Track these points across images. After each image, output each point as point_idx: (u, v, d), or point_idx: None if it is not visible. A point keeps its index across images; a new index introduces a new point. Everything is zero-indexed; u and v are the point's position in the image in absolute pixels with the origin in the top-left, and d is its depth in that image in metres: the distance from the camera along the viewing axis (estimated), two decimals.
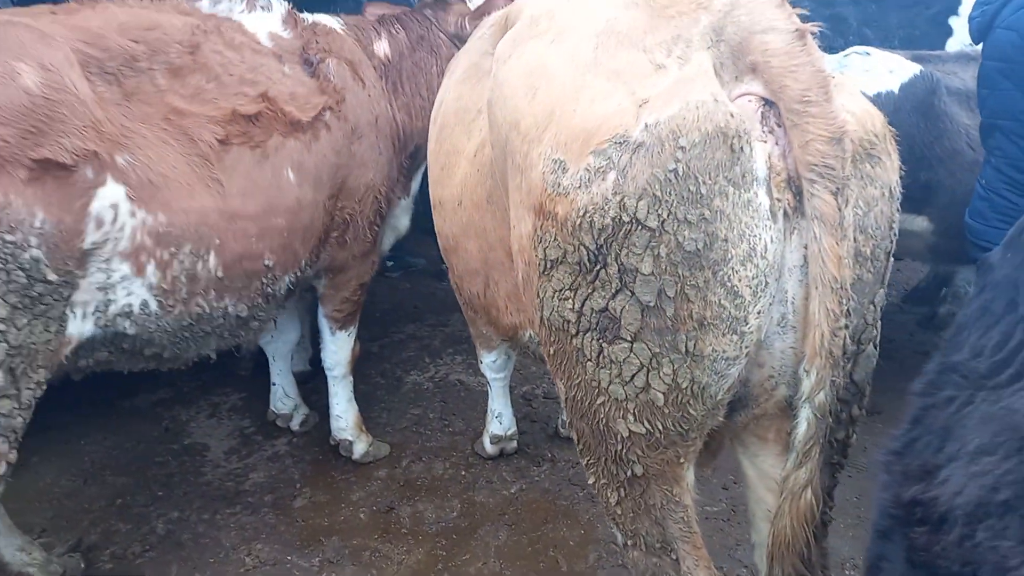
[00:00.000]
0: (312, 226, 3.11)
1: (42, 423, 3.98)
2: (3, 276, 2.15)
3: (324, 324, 3.70)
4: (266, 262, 2.90)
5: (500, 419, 3.78)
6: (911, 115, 3.79)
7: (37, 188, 2.21)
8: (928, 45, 4.45)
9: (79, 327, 2.47)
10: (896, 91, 3.82)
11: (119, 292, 2.51)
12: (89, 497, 3.62)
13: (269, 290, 2.99)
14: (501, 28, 2.53)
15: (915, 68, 3.85)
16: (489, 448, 3.82)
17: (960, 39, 4.51)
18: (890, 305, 5.42)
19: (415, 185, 3.86)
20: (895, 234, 1.81)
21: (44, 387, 2.39)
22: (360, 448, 3.81)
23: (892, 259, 1.84)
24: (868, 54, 3.99)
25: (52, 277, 2.26)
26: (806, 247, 1.66)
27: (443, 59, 3.70)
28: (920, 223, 4.01)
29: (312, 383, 4.35)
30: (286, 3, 3.37)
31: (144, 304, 2.59)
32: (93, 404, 4.16)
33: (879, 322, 1.88)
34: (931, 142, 3.83)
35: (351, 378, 3.82)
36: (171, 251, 2.58)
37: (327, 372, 3.80)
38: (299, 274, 3.16)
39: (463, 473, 3.76)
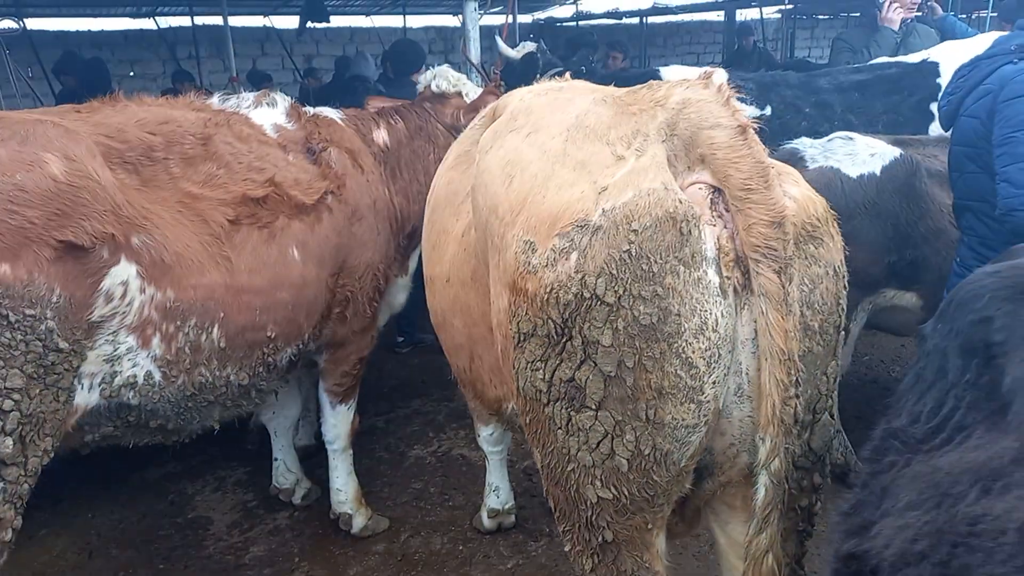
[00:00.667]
0: (316, 301, 3.27)
1: (54, 495, 4.13)
2: (23, 347, 2.28)
3: (324, 398, 3.82)
4: (269, 333, 3.04)
5: (497, 493, 3.83)
6: (893, 196, 3.92)
7: (58, 266, 2.37)
8: (912, 130, 4.62)
9: (85, 397, 2.57)
10: (878, 173, 3.96)
11: (125, 363, 2.62)
12: (93, 571, 3.70)
13: (271, 360, 3.11)
14: (489, 120, 2.73)
15: (895, 151, 4.00)
16: (487, 523, 3.85)
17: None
18: (881, 372, 5.45)
19: (412, 264, 4.04)
20: (843, 309, 1.92)
21: (50, 455, 2.48)
22: (359, 522, 3.87)
23: (842, 333, 1.94)
24: (851, 138, 4.15)
25: (63, 345, 2.38)
26: (755, 321, 1.78)
27: (440, 148, 3.93)
28: (910, 299, 4.09)
29: (318, 457, 4.43)
30: (289, 98, 3.63)
31: (148, 375, 2.69)
32: (104, 477, 4.28)
33: (834, 392, 1.97)
34: (915, 221, 3.95)
35: (351, 451, 3.91)
36: (176, 324, 2.70)
37: (327, 446, 3.90)
38: (301, 347, 3.30)
39: (460, 548, 3.79)
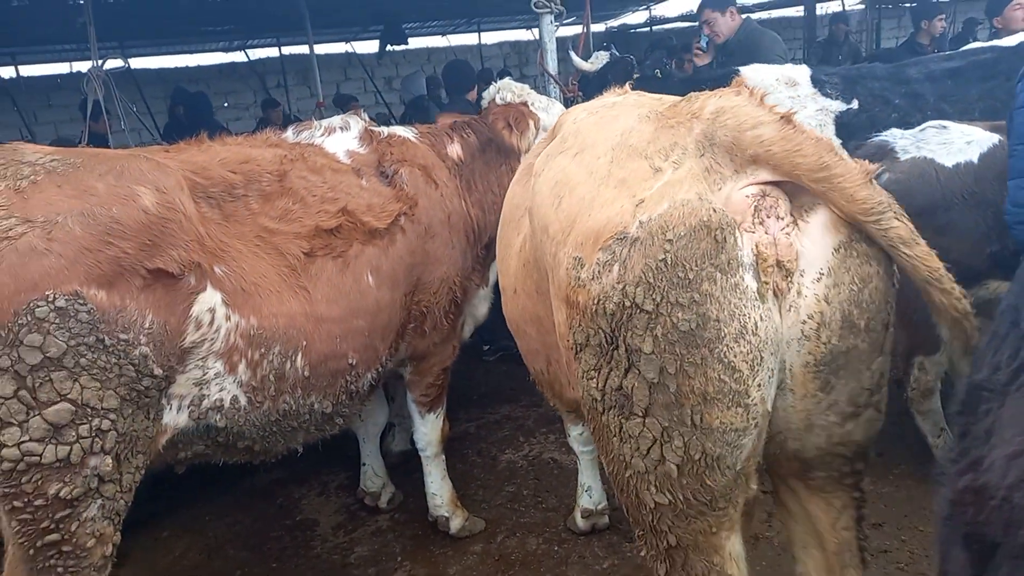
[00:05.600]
0: (391, 324, 3.38)
1: (172, 501, 4.42)
2: (116, 370, 2.41)
3: (413, 408, 3.96)
4: (350, 360, 3.14)
5: (590, 493, 3.88)
6: (993, 183, 3.77)
7: (149, 294, 2.52)
8: None
9: (174, 418, 2.69)
10: (975, 160, 3.82)
11: (212, 388, 2.74)
12: (213, 571, 3.96)
13: (353, 387, 3.22)
14: (550, 137, 2.83)
15: (994, 138, 3.85)
16: (581, 523, 3.90)
17: None
18: None
19: (492, 275, 4.10)
20: (892, 307, 1.91)
21: (142, 472, 2.60)
22: (456, 524, 3.99)
23: (891, 330, 1.94)
24: (945, 127, 4.02)
25: (158, 372, 2.51)
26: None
27: (512, 158, 4.04)
28: None
29: (416, 462, 4.58)
30: (363, 121, 3.77)
31: (235, 399, 2.80)
32: (216, 484, 4.56)
33: (883, 388, 1.97)
34: None
35: (443, 457, 4.05)
36: (261, 352, 2.82)
37: (420, 452, 4.05)
38: (380, 370, 3.40)
39: (556, 548, 3.86)
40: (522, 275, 2.61)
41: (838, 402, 1.90)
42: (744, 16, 5.90)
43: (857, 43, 12.66)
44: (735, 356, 1.76)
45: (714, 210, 1.77)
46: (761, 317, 1.78)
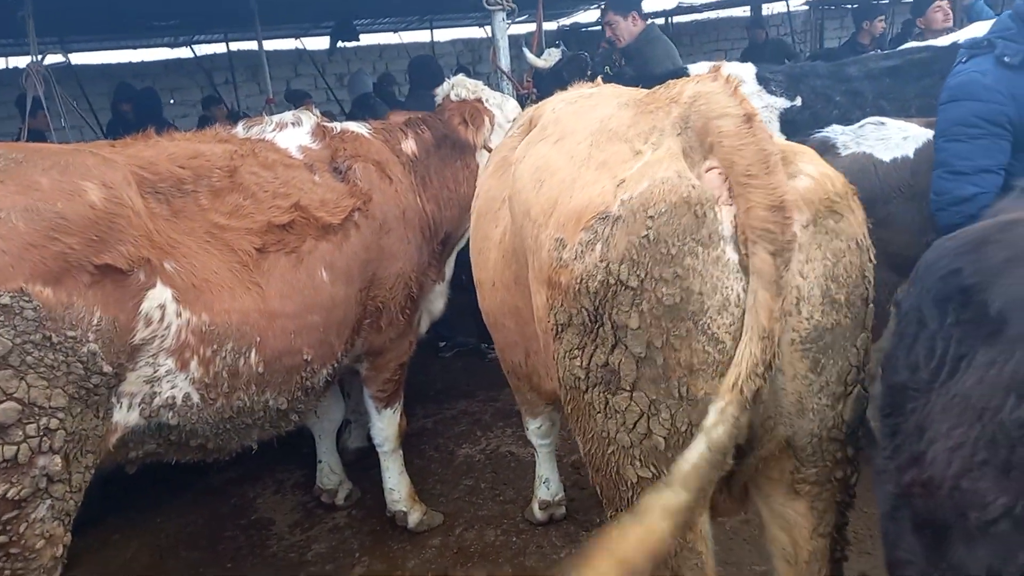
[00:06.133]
0: (346, 319, 3.36)
1: (123, 503, 4.34)
2: (64, 368, 2.36)
3: (370, 404, 3.95)
4: (305, 357, 3.12)
5: (547, 484, 3.93)
6: (928, 176, 3.93)
7: (97, 290, 2.47)
8: None
9: (124, 416, 2.65)
10: (911, 155, 3.98)
11: (164, 385, 2.70)
12: (166, 571, 3.89)
13: (308, 384, 3.20)
14: (526, 129, 2.85)
15: (928, 133, 4.01)
16: (538, 514, 3.94)
17: None
18: None
19: (449, 270, 4.14)
20: (870, 282, 1.97)
21: (93, 472, 2.55)
22: (414, 518, 4.00)
23: (871, 305, 1.98)
24: (883, 123, 4.18)
25: (107, 369, 2.47)
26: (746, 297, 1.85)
27: (468, 154, 4.06)
28: None
29: (373, 458, 4.57)
30: (315, 117, 3.74)
31: (187, 397, 2.77)
32: (169, 484, 4.47)
33: (867, 365, 2.02)
34: None
35: (400, 452, 4.04)
36: (213, 348, 2.79)
37: (377, 448, 4.03)
38: (336, 366, 3.39)
39: (514, 539, 3.89)
40: (501, 267, 2.63)
41: (829, 383, 1.94)
42: (648, 22, 6.01)
43: (785, 42, 13.02)
44: (719, 328, 1.82)
45: (693, 186, 1.82)
46: (743, 289, 1.83)
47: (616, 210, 1.85)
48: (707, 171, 1.90)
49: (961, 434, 1.46)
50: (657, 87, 2.20)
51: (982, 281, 1.55)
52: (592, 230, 1.88)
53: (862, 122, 4.26)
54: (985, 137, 3.28)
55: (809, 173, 1.93)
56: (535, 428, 3.75)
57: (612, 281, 1.84)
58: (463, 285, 4.58)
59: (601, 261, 1.85)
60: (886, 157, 3.99)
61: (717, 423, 1.75)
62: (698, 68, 5.01)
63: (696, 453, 1.74)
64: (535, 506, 3.96)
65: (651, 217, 1.80)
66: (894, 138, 4.09)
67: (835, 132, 4.19)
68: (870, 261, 1.98)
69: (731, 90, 1.94)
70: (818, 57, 8.74)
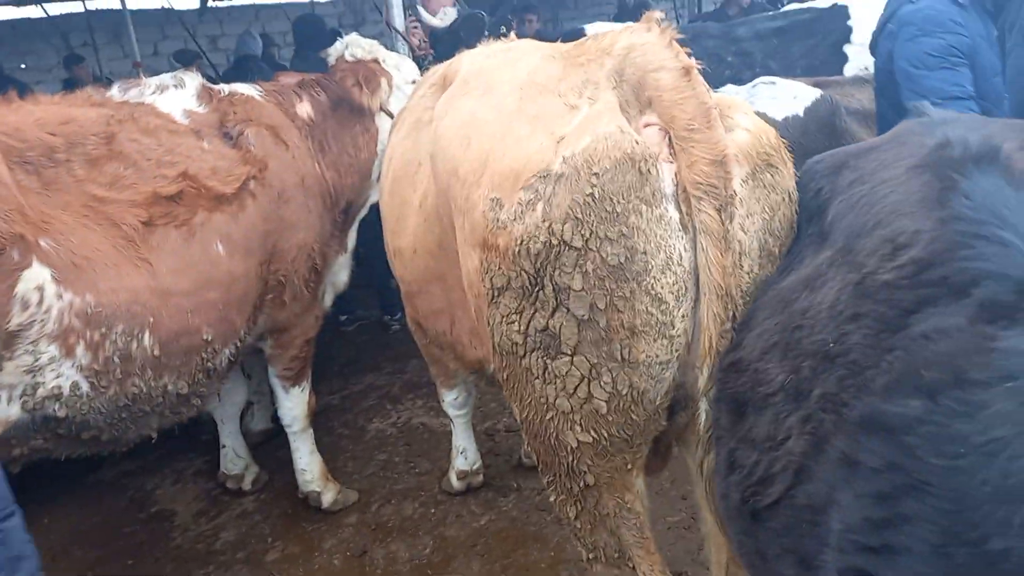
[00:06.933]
0: (247, 295, 3.18)
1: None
2: None
3: (276, 383, 3.78)
4: (205, 336, 2.94)
5: (465, 454, 3.90)
6: (817, 135, 4.10)
7: None
8: (827, 72, 4.82)
9: (4, 410, 2.46)
10: (801, 114, 4.14)
11: (47, 374, 2.50)
12: (58, 572, 3.61)
13: (210, 365, 3.02)
14: (440, 87, 2.72)
15: (816, 93, 4.18)
16: (456, 484, 3.92)
17: (855, 64, 4.90)
18: None
19: (351, 241, 3.97)
20: (795, 233, 2.02)
21: None
22: (328, 497, 3.88)
23: None
24: (774, 83, 4.31)
25: None
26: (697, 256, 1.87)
27: (366, 118, 3.89)
28: None
29: (278, 439, 4.40)
30: (199, 78, 3.47)
31: (75, 385, 2.57)
32: (56, 482, 4.15)
33: None
34: None
35: (311, 431, 3.90)
36: (102, 332, 2.58)
37: (286, 428, 3.88)
38: (239, 345, 3.20)
39: (432, 511, 3.85)
40: (422, 232, 2.52)
41: None
42: None
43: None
44: (662, 288, 1.79)
45: (636, 142, 1.78)
46: (685, 248, 1.81)
47: (558, 167, 1.78)
48: (645, 126, 1.86)
49: (767, 322, 1.67)
50: (583, 39, 2.13)
51: (830, 199, 1.79)
52: (532, 189, 1.80)
53: (754, 82, 4.39)
54: (963, 66, 3.31)
55: (746, 126, 1.93)
56: (451, 399, 3.70)
57: (555, 242, 1.77)
58: (360, 257, 4.42)
59: (543, 221, 1.78)
60: (778, 116, 4.12)
61: (709, 386, 1.84)
62: (595, 28, 5.00)
63: (703, 416, 1.88)
64: (452, 476, 3.93)
65: (596, 174, 1.74)
66: (784, 97, 4.23)
67: (729, 92, 4.29)
68: (796, 212, 2.01)
69: (667, 41, 1.90)
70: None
